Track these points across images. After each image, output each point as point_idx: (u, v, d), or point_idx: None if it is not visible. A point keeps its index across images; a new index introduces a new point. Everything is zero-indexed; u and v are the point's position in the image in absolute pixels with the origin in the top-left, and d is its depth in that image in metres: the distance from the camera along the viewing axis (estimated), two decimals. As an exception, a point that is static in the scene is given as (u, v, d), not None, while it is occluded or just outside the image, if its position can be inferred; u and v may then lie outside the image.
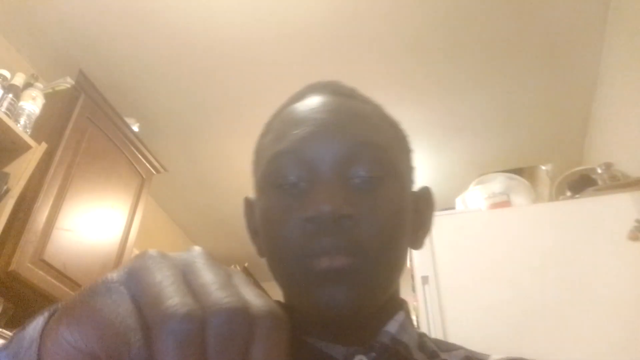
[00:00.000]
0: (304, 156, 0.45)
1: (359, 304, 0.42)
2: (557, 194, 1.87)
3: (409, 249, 0.52)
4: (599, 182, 1.68)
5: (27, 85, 1.83)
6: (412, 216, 0.50)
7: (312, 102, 0.49)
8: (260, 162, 0.50)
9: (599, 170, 1.71)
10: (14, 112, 1.70)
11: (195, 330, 0.21)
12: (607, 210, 1.47)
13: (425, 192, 0.54)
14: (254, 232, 0.54)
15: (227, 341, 0.21)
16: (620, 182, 1.60)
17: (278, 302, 0.43)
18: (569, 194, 1.77)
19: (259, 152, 0.52)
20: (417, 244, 0.53)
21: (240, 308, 0.22)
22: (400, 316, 0.47)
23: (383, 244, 0.44)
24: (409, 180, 0.52)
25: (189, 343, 0.20)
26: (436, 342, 0.51)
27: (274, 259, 0.46)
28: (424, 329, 1.44)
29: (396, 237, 0.46)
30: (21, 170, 1.61)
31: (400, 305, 0.50)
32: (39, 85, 1.87)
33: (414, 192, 0.53)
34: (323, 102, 0.49)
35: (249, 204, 0.55)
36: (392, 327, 0.46)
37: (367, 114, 0.50)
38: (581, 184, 1.74)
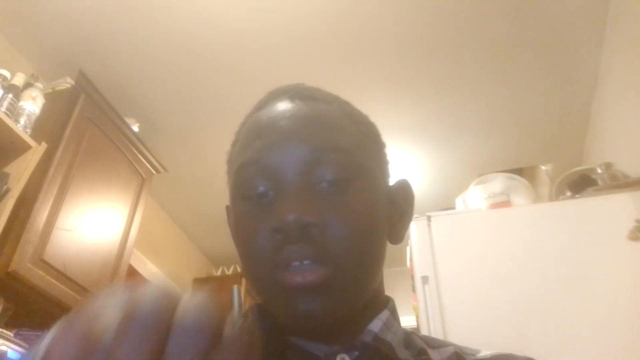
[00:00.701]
0: (268, 166, 0.45)
1: (336, 312, 0.42)
2: (557, 194, 1.87)
3: (387, 244, 0.51)
4: (599, 182, 1.68)
5: (27, 85, 1.83)
6: (389, 211, 0.50)
7: (273, 110, 0.49)
8: (230, 173, 0.51)
9: (599, 170, 1.71)
10: (14, 112, 1.70)
11: None
12: (607, 210, 1.47)
13: (403, 185, 0.54)
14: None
15: None
16: (620, 182, 1.60)
17: (259, 306, 0.44)
18: (569, 194, 1.77)
19: (229, 162, 0.53)
20: (396, 238, 0.52)
21: None
22: (384, 315, 0.47)
23: (354, 248, 0.43)
24: (382, 176, 0.51)
25: None
26: (425, 339, 0.51)
27: (248, 271, 0.46)
28: (423, 329, 1.44)
29: (368, 238, 0.45)
30: (21, 170, 1.61)
31: (385, 303, 0.50)
32: (39, 85, 1.87)
33: (390, 187, 0.53)
34: (284, 109, 0.49)
35: (229, 213, 0.55)
36: (375, 325, 0.46)
37: (329, 116, 0.49)
38: (581, 184, 1.74)
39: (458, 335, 1.33)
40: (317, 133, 0.46)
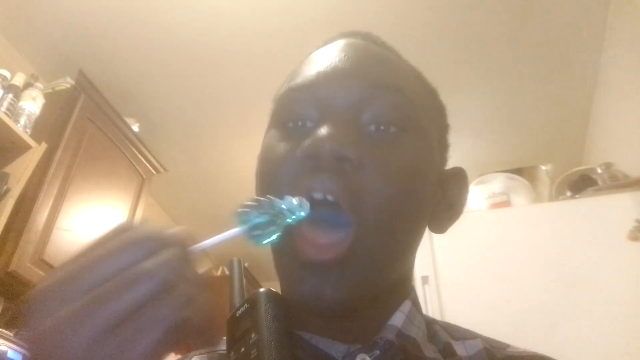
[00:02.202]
0: (316, 93, 0.40)
1: (350, 295, 0.37)
2: (557, 194, 1.87)
3: (427, 232, 0.45)
4: (599, 182, 1.68)
5: (27, 85, 1.83)
6: (437, 194, 0.45)
7: (337, 44, 0.45)
8: (274, 103, 0.46)
9: (599, 170, 1.71)
10: (14, 112, 1.70)
11: None
12: (607, 210, 1.47)
13: (459, 173, 0.48)
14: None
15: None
16: (620, 182, 1.60)
17: (269, 290, 0.39)
18: (569, 194, 1.78)
19: (275, 97, 0.47)
20: (438, 226, 0.46)
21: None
22: (406, 306, 0.42)
23: (387, 205, 0.37)
24: (439, 151, 0.45)
25: None
26: (448, 329, 0.46)
27: None
28: (424, 329, 1.44)
29: (406, 203, 0.39)
30: (21, 170, 1.61)
31: (406, 292, 0.43)
32: (39, 85, 1.87)
33: (446, 170, 0.47)
34: (348, 43, 0.44)
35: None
36: (397, 320, 0.40)
37: (395, 61, 0.44)
38: (581, 184, 1.74)
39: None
40: (376, 71, 0.41)
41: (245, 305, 0.38)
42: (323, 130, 0.37)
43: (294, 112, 0.41)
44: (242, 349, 0.35)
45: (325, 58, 0.43)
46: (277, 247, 0.40)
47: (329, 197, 0.36)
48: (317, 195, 0.36)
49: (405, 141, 0.39)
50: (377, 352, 0.38)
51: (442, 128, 0.48)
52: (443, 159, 0.48)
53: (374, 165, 0.37)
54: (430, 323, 0.46)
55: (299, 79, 0.42)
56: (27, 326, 0.25)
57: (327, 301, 0.36)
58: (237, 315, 0.38)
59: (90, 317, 0.24)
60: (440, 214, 0.46)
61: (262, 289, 0.38)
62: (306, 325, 0.40)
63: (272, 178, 0.40)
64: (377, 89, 0.40)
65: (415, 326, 0.42)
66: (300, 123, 0.41)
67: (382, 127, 0.39)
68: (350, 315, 0.39)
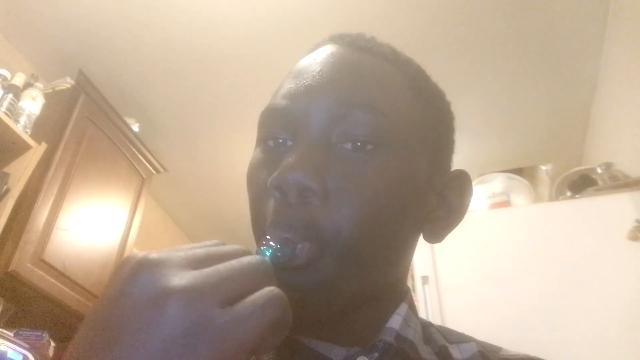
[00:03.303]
0: (289, 113, 0.40)
1: (325, 301, 0.37)
2: (557, 194, 1.87)
3: (421, 242, 0.45)
4: (599, 182, 1.68)
5: (27, 85, 1.83)
6: (430, 202, 0.43)
7: (320, 53, 0.44)
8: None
9: (599, 170, 1.71)
10: (14, 112, 1.70)
11: None
12: (607, 210, 1.47)
13: (459, 177, 0.46)
14: None
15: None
16: (620, 182, 1.60)
17: None
18: (569, 194, 1.78)
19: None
20: (434, 236, 0.45)
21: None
22: (402, 308, 0.42)
23: (358, 235, 0.37)
24: (430, 160, 0.43)
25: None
26: (443, 332, 0.47)
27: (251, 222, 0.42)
28: (424, 329, 1.44)
29: (381, 228, 0.38)
30: (21, 170, 1.61)
31: (403, 295, 0.44)
32: (39, 85, 1.87)
33: (443, 177, 0.46)
34: (329, 53, 0.43)
35: None
36: (395, 322, 0.41)
37: (374, 70, 0.42)
38: (581, 184, 1.74)
39: (458, 335, 1.33)
40: (352, 85, 0.40)
41: None
42: (290, 158, 0.37)
43: (272, 131, 0.41)
44: None
45: (303, 73, 0.42)
46: (253, 226, 0.42)
47: (292, 237, 0.36)
48: (285, 235, 0.36)
49: (381, 159, 0.38)
50: (376, 354, 0.38)
51: (441, 132, 0.46)
52: (442, 165, 0.46)
53: (340, 192, 0.37)
54: (425, 326, 0.46)
55: (278, 96, 0.42)
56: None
57: (307, 307, 0.37)
58: None
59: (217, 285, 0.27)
60: (438, 220, 0.45)
61: None
62: (303, 330, 0.40)
63: (253, 207, 0.42)
64: (350, 107, 0.39)
65: (412, 328, 0.42)
66: (280, 141, 0.41)
67: (358, 144, 0.38)
68: (346, 318, 0.40)
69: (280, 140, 0.41)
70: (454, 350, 0.44)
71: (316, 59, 0.43)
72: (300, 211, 0.36)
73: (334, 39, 0.46)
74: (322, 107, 0.39)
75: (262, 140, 0.42)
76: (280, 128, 0.40)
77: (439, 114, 0.46)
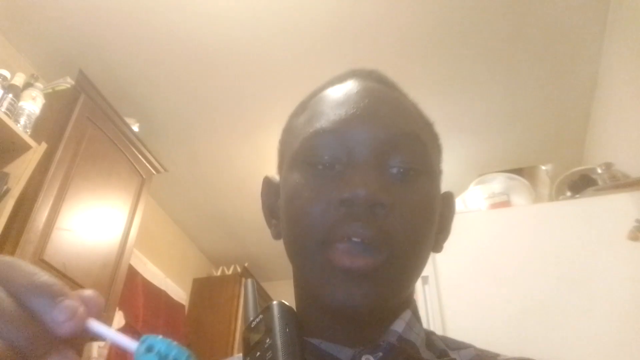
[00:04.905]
0: (345, 138, 0.44)
1: (378, 303, 0.41)
2: (557, 194, 1.87)
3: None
4: (599, 182, 1.68)
5: (27, 85, 1.83)
6: (438, 219, 0.49)
7: (355, 86, 0.48)
8: (293, 139, 0.48)
9: (599, 170, 1.71)
10: (14, 112, 1.70)
11: None
12: (607, 210, 1.47)
13: (449, 197, 0.54)
14: (270, 214, 0.53)
15: None
16: (620, 182, 1.60)
17: (282, 302, 0.42)
18: (569, 194, 1.78)
19: (291, 130, 0.51)
20: (438, 247, 0.52)
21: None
22: (407, 314, 0.46)
23: (413, 239, 0.43)
24: (440, 182, 0.51)
25: None
26: (445, 340, 0.50)
27: (293, 242, 0.45)
28: (424, 329, 1.44)
29: (425, 235, 0.45)
30: (21, 170, 1.61)
31: (407, 304, 0.48)
32: (39, 85, 1.87)
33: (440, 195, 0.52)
34: (366, 87, 0.48)
35: (268, 183, 0.54)
36: (398, 325, 0.44)
37: (409, 107, 0.50)
38: (581, 184, 1.74)
39: (458, 335, 1.33)
40: (399, 119, 0.46)
41: (260, 316, 0.42)
42: (356, 177, 0.41)
43: (322, 154, 0.44)
44: (258, 353, 0.38)
45: (348, 101, 0.46)
46: (307, 256, 0.43)
47: (365, 242, 0.41)
48: (355, 240, 0.41)
49: (421, 182, 0.45)
50: (380, 353, 0.42)
51: (440, 160, 0.53)
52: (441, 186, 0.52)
53: (401, 207, 0.42)
54: (429, 334, 0.50)
55: (325, 122, 0.45)
56: None
57: (356, 306, 0.40)
58: (252, 325, 0.42)
59: None
60: (437, 236, 0.51)
61: (274, 302, 0.42)
62: (315, 332, 0.44)
63: (306, 224, 0.43)
64: (400, 136, 0.44)
65: (415, 333, 0.46)
66: (329, 165, 0.44)
67: (402, 170, 0.44)
68: (364, 321, 0.43)
69: (329, 165, 0.44)
70: (454, 354, 0.48)
71: (356, 92, 0.47)
72: (370, 221, 0.40)
73: (357, 75, 0.51)
74: (377, 135, 0.44)
75: (307, 163, 0.45)
76: (336, 150, 0.44)
77: (437, 140, 0.53)
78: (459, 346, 0.50)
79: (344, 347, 0.43)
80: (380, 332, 0.44)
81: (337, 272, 0.40)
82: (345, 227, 0.40)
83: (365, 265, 0.40)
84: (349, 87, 0.49)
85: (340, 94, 0.48)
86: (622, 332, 1.28)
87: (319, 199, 0.42)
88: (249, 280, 0.48)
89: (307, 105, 0.51)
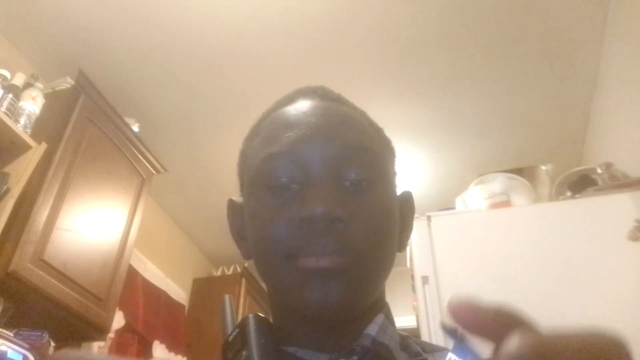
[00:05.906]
0: (298, 158, 0.46)
1: (350, 302, 0.43)
2: (557, 194, 1.87)
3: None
4: (599, 182, 1.68)
5: (27, 85, 1.83)
6: (398, 219, 0.51)
7: (303, 105, 0.50)
8: (249, 163, 0.51)
9: (599, 170, 1.71)
10: (14, 112, 1.70)
11: None
12: (607, 210, 1.47)
13: (408, 196, 0.56)
14: (237, 235, 0.54)
15: None
16: (620, 182, 1.60)
17: (257, 315, 0.44)
18: (569, 194, 1.78)
19: (246, 154, 0.53)
20: (401, 246, 0.53)
21: None
22: (379, 318, 0.47)
23: (374, 245, 0.44)
24: (395, 185, 0.53)
25: None
26: (421, 343, 0.52)
27: (262, 259, 0.47)
28: (423, 329, 1.44)
29: (386, 239, 0.47)
30: (21, 170, 1.61)
31: (380, 307, 0.50)
32: (39, 85, 1.88)
33: (398, 197, 0.54)
34: (314, 105, 0.50)
35: (233, 206, 0.56)
36: (372, 329, 0.46)
37: (356, 119, 0.51)
38: (581, 184, 1.74)
39: (458, 335, 1.33)
40: (347, 133, 0.48)
41: (236, 330, 0.44)
42: (313, 195, 0.43)
43: (278, 176, 0.46)
44: None
45: (298, 122, 0.48)
46: (276, 268, 0.45)
47: (326, 263, 0.42)
48: (323, 263, 0.42)
49: (377, 190, 0.47)
50: (355, 357, 0.43)
51: (394, 163, 0.55)
52: (396, 188, 0.54)
53: (358, 217, 0.44)
54: (404, 337, 0.51)
55: (278, 145, 0.47)
56: None
57: (330, 306, 0.42)
58: (229, 340, 0.44)
59: None
60: (400, 235, 0.52)
61: (250, 315, 0.44)
62: (292, 341, 0.46)
63: (271, 242, 0.45)
64: (350, 150, 0.46)
65: (388, 335, 0.47)
66: (286, 186, 0.46)
67: (355, 183, 0.46)
68: (340, 324, 0.45)
69: (284, 185, 0.46)
70: (429, 357, 0.49)
71: (304, 111, 0.49)
72: (331, 235, 0.42)
73: (304, 93, 0.53)
74: (327, 152, 0.46)
75: (267, 185, 0.46)
76: (290, 171, 0.46)
77: (389, 145, 0.55)
78: (435, 349, 0.51)
79: (320, 354, 0.44)
80: (354, 337, 0.45)
81: (308, 275, 0.42)
82: (310, 243, 0.42)
83: (332, 264, 0.42)
84: (298, 107, 0.51)
85: (290, 114, 0.50)
86: (622, 332, 1.28)
87: (280, 219, 0.44)
88: (226, 296, 0.50)
89: (260, 128, 0.53)
